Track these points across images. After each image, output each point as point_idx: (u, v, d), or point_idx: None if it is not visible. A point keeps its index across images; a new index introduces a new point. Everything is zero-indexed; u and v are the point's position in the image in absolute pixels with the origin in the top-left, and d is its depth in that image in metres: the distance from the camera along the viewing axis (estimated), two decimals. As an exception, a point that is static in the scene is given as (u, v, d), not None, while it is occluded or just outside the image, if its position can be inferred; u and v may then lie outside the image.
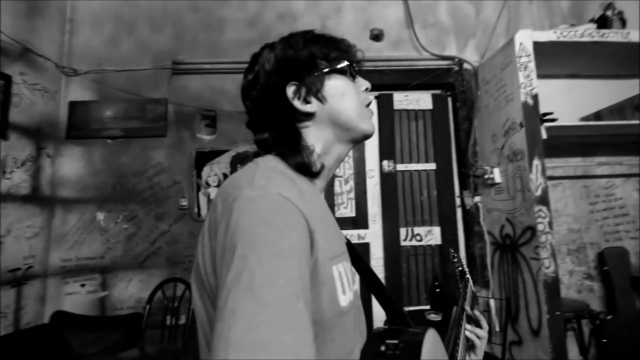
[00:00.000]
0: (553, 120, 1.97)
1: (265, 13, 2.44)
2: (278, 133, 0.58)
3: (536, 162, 1.92)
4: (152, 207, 2.26)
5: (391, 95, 2.48)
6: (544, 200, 1.91)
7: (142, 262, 2.21)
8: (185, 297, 2.10)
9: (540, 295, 1.87)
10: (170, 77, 2.35)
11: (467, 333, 0.81)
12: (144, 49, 2.37)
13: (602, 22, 2.05)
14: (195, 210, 2.30)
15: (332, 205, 2.40)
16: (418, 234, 2.41)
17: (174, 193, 2.28)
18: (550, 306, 1.83)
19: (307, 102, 0.57)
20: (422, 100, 2.50)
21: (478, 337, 0.82)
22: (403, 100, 2.49)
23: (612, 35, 2.00)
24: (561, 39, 1.98)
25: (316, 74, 0.57)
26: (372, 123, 0.62)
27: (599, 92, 2.38)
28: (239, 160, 2.25)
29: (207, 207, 2.31)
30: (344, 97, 0.59)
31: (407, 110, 2.50)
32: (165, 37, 2.40)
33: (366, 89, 0.63)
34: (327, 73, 0.58)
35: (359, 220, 2.42)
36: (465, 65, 2.41)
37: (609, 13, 2.03)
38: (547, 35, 1.98)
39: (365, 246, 2.39)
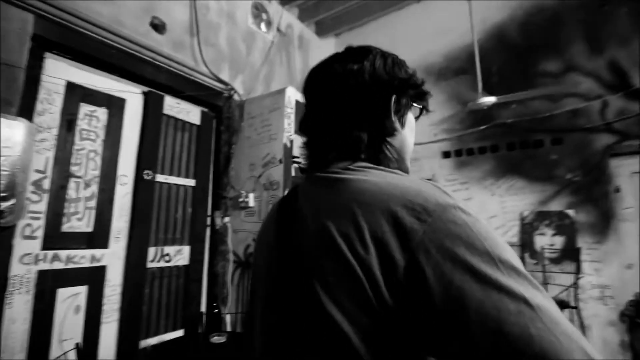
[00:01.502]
0: (298, 162, 2.54)
1: None
2: (375, 134, 0.56)
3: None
4: None
5: (163, 97, 2.22)
6: (288, 224, 2.37)
7: None
8: None
9: (278, 303, 2.25)
10: None
11: None
12: None
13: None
14: None
15: (58, 215, 1.75)
16: (167, 254, 2.20)
17: None
18: (284, 311, 2.25)
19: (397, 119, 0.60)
20: (192, 113, 2.41)
21: None
22: (174, 107, 2.29)
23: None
24: (309, 104, 2.64)
25: (409, 100, 0.61)
26: None
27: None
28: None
29: None
30: (413, 132, 0.66)
31: (176, 119, 2.32)
32: None
33: None
34: (413, 104, 0.64)
35: (97, 238, 1.89)
36: (235, 96, 2.60)
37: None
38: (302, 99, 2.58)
39: (99, 271, 1.89)
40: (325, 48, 3.72)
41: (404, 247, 0.41)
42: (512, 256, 0.41)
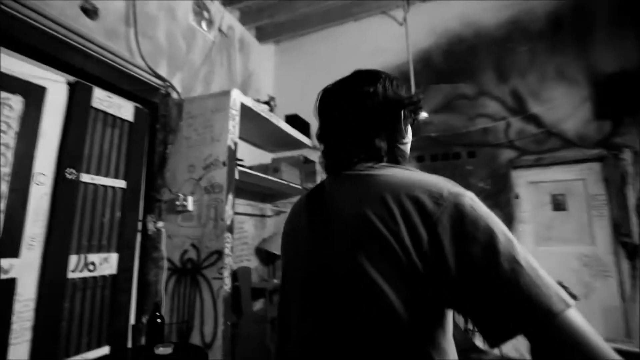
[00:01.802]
0: (243, 166, 2.50)
1: None
2: (391, 142, 0.65)
3: (230, 196, 2.32)
4: None
5: (91, 88, 2.00)
6: (230, 228, 2.31)
7: None
8: None
9: (218, 310, 2.17)
10: None
11: None
12: None
13: (270, 106, 2.94)
14: None
15: (-45, 218, 1.46)
16: (92, 262, 1.98)
17: None
18: (225, 318, 2.17)
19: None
20: (125, 108, 2.21)
21: None
22: (104, 100, 2.08)
23: (270, 117, 2.92)
24: (254, 108, 2.62)
25: (410, 114, 0.71)
26: None
27: (259, 156, 3.27)
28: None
29: None
30: (410, 138, 0.78)
31: (107, 114, 2.11)
32: None
33: None
34: (412, 116, 0.73)
35: (5, 245, 1.63)
36: (174, 94, 2.46)
37: (272, 102, 2.97)
38: (248, 101, 2.56)
39: (7, 284, 1.62)
40: (265, 54, 3.73)
41: (425, 224, 0.52)
42: (505, 229, 0.52)
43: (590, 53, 2.83)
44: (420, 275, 0.50)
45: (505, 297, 0.45)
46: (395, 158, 0.70)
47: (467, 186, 2.82)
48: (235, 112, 2.40)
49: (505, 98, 3.05)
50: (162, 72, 2.41)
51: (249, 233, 3.31)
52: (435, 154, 3.23)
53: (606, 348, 0.42)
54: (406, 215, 0.52)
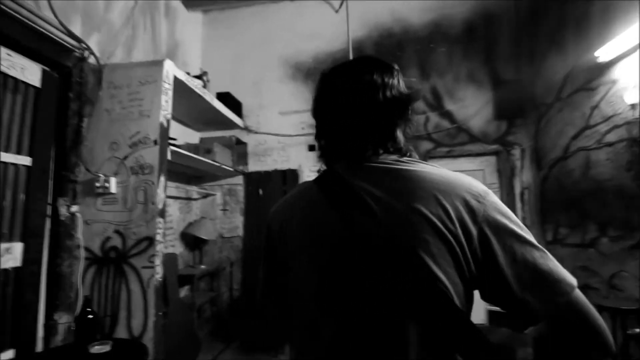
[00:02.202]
0: (176, 145, 2.30)
1: None
2: (405, 135, 0.70)
3: (162, 178, 2.14)
4: None
5: (-15, 42, 1.61)
6: (163, 213, 2.14)
7: None
8: None
9: (149, 300, 2.01)
10: None
11: None
12: None
13: (203, 82, 2.74)
14: None
15: None
16: (-11, 255, 1.64)
17: None
18: (157, 309, 2.03)
19: None
20: (29, 71, 1.84)
21: None
22: (4, 59, 1.69)
23: (204, 93, 2.73)
24: (187, 82, 2.41)
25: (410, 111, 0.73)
26: None
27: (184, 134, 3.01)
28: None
29: None
30: None
31: (6, 76, 1.72)
32: None
33: None
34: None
35: None
36: (91, 59, 2.12)
37: (205, 78, 2.77)
38: (182, 75, 2.34)
39: None
40: (193, 23, 3.43)
41: (474, 222, 0.57)
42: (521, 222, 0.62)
43: (495, 61, 3.29)
44: (471, 272, 0.55)
45: (541, 278, 0.54)
46: (410, 152, 0.71)
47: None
48: (168, 86, 2.19)
49: (426, 94, 3.37)
50: (76, 31, 2.05)
51: (173, 217, 3.09)
52: (364, 142, 3.42)
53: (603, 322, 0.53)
54: (459, 215, 0.56)
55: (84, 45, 2.08)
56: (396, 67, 0.73)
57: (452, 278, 0.55)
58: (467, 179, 0.63)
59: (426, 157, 3.35)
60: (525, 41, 3.21)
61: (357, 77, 0.69)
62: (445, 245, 0.55)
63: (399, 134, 0.69)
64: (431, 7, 3.39)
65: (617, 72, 2.27)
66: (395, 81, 0.69)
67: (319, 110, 0.74)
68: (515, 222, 0.59)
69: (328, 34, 3.43)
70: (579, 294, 0.54)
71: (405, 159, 0.67)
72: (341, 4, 3.35)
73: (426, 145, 3.36)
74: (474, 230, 0.56)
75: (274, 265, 0.76)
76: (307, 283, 0.64)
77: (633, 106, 2.09)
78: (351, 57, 3.00)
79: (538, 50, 3.10)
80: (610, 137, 2.34)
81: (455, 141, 3.32)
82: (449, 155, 3.38)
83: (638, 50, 2.08)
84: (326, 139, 0.72)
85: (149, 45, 2.72)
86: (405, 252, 0.56)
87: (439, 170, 0.63)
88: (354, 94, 0.68)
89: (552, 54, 2.92)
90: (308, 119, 3.47)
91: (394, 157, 0.67)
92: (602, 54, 2.30)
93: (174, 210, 3.13)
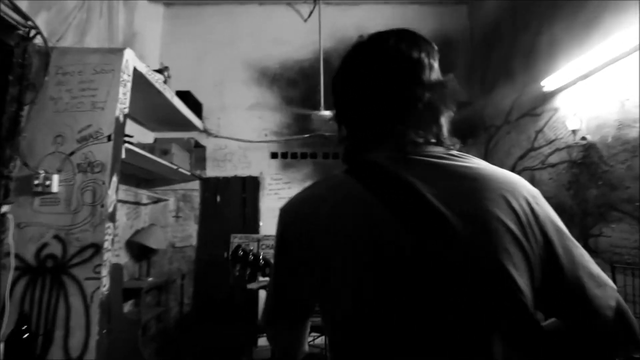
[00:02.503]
0: (132, 143, 2.09)
1: None
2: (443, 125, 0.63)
3: (115, 178, 1.92)
4: None
5: None
6: (113, 217, 1.91)
7: None
8: None
9: (92, 317, 1.77)
10: None
11: None
12: None
13: (164, 77, 2.55)
14: None
15: None
16: None
17: None
18: (101, 326, 1.79)
19: None
20: (-41, 44, 1.55)
21: None
22: None
23: (164, 89, 2.54)
24: (148, 76, 2.22)
25: None
26: None
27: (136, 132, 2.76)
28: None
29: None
30: None
31: None
32: None
33: None
34: None
35: None
36: (38, 39, 1.87)
37: (166, 73, 2.58)
38: (142, 67, 2.15)
39: None
40: (153, 15, 3.22)
41: (538, 225, 0.54)
42: None
43: (451, 83, 3.50)
44: (537, 280, 0.53)
45: (595, 279, 0.54)
46: (456, 145, 0.63)
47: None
48: (127, 77, 2.00)
49: (388, 109, 3.48)
50: (22, 6, 1.79)
51: (120, 223, 2.80)
52: (327, 153, 3.42)
53: None
54: (527, 220, 0.53)
55: (31, 24, 1.83)
56: (436, 47, 0.66)
57: (529, 289, 0.52)
58: (521, 178, 0.59)
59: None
60: (479, 68, 3.47)
61: (401, 53, 0.60)
62: (522, 254, 0.51)
63: (444, 123, 0.62)
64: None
65: (559, 101, 2.53)
66: (437, 64, 0.63)
67: (346, 89, 0.64)
68: (561, 223, 0.58)
69: (296, 41, 3.42)
70: (619, 295, 0.56)
71: (456, 152, 0.60)
72: (310, 14, 3.37)
73: (387, 159, 3.45)
74: (539, 234, 0.53)
75: (292, 267, 0.63)
76: (359, 296, 0.54)
77: (574, 132, 2.34)
78: (322, 67, 3.00)
79: (490, 77, 3.38)
80: (553, 159, 2.59)
81: (414, 156, 3.45)
82: (407, 169, 3.50)
83: (578, 83, 2.34)
84: (355, 124, 0.63)
85: (104, 32, 2.47)
86: (491, 265, 0.50)
87: (497, 168, 0.58)
88: (397, 73, 0.59)
89: (502, 81, 3.20)
90: (272, 124, 3.40)
91: (441, 149, 0.59)
92: (547, 83, 2.55)
93: (121, 216, 2.84)
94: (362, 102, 0.62)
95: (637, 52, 1.86)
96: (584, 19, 2.24)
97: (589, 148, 2.23)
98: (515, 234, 0.52)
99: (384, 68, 0.61)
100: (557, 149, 2.56)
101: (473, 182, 0.55)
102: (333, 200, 0.59)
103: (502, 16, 3.19)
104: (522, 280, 0.51)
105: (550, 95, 2.60)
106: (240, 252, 1.06)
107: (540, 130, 2.73)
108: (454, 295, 0.50)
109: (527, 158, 2.87)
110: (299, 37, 3.41)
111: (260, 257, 1.08)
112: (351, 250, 0.55)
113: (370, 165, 0.59)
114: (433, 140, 0.60)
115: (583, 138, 2.26)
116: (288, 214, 0.65)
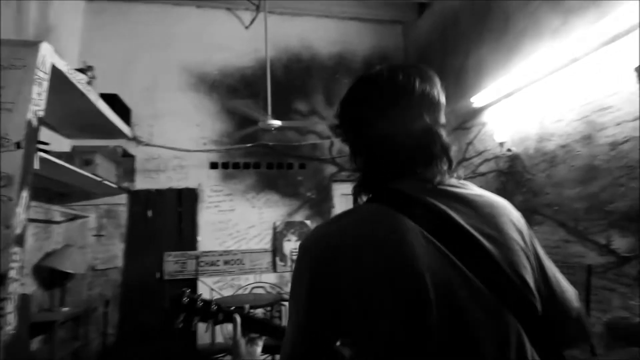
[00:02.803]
0: (48, 152, 1.78)
1: None
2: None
3: (25, 193, 1.61)
4: None
5: None
6: (21, 240, 1.60)
7: None
8: None
9: (-8, 364, 1.44)
10: None
11: None
12: None
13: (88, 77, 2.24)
14: None
15: None
16: None
17: None
18: (4, 374, 1.46)
19: None
20: None
21: None
22: None
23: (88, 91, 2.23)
24: (69, 75, 1.93)
25: None
26: None
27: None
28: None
29: None
30: None
31: None
32: None
33: None
34: None
35: None
36: None
37: (89, 73, 2.28)
38: (62, 65, 1.86)
39: None
40: (72, 9, 2.85)
41: (530, 239, 0.63)
42: None
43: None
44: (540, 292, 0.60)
45: (564, 291, 0.64)
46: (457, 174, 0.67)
47: (297, 195, 3.15)
48: (43, 76, 1.71)
49: (331, 119, 3.51)
50: None
51: (25, 245, 2.36)
52: (271, 163, 3.33)
53: None
54: (531, 240, 0.63)
55: None
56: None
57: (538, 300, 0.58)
58: (499, 198, 0.66)
59: (330, 180, 3.46)
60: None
61: (426, 94, 0.63)
62: (530, 267, 0.59)
63: (453, 155, 0.65)
64: (336, 40, 3.62)
65: (487, 116, 2.79)
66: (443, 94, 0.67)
67: (371, 123, 0.64)
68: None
69: (237, 48, 3.30)
70: None
71: (463, 181, 0.65)
72: (252, 21, 3.28)
73: (330, 169, 3.47)
74: (531, 247, 0.62)
75: (325, 307, 0.57)
76: (411, 326, 0.52)
77: (501, 144, 2.58)
78: (268, 74, 2.89)
79: (424, 92, 3.61)
80: (483, 169, 2.83)
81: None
82: (349, 180, 3.55)
83: (503, 100, 2.60)
84: (377, 157, 0.64)
85: (9, 22, 2.10)
86: (521, 283, 0.56)
87: (494, 195, 0.65)
88: (423, 114, 0.61)
89: (435, 97, 3.44)
90: (211, 133, 3.21)
91: (454, 180, 0.63)
92: (476, 100, 2.80)
93: (27, 237, 2.40)
94: (386, 138, 0.63)
95: (553, 75, 2.13)
96: (507, 44, 2.50)
97: (514, 159, 2.47)
98: (525, 250, 0.60)
99: (410, 107, 0.63)
100: (486, 160, 2.80)
101: (489, 209, 0.61)
102: (370, 230, 0.57)
103: (433, 37, 3.44)
104: (536, 293, 0.57)
105: (479, 110, 2.85)
106: (186, 300, 0.88)
107: (471, 143, 2.97)
108: (503, 317, 0.54)
109: (458, 168, 3.11)
110: (240, 44, 3.29)
111: (212, 302, 0.92)
112: (397, 280, 0.53)
113: (403, 195, 0.59)
114: (448, 171, 0.63)
115: (509, 150, 2.50)
116: (318, 248, 0.59)
